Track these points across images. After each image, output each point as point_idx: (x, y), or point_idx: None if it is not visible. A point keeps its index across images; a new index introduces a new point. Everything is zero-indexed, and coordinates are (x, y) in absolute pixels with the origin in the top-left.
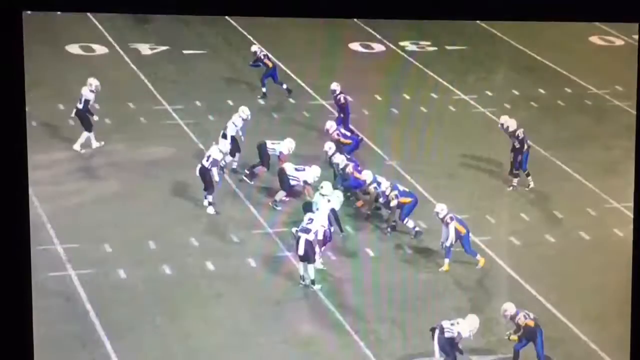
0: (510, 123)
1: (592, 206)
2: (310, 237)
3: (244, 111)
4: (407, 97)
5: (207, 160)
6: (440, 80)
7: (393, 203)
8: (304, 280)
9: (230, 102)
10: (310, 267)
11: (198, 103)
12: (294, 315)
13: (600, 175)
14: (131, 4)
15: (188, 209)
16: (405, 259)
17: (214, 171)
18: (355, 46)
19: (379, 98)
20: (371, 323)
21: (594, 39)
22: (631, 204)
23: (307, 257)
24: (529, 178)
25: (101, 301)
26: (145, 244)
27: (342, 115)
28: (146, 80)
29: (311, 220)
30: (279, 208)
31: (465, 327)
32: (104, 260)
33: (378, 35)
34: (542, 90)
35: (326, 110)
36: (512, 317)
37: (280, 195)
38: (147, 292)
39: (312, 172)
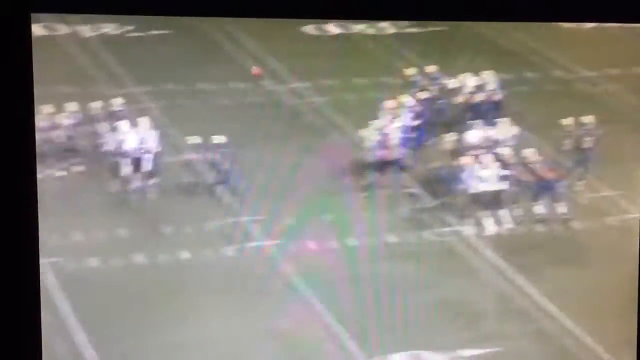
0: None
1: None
2: None
3: None
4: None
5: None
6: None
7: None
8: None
9: (205, 86)
10: None
11: (168, 86)
12: (276, 307)
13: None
14: (143, 5)
15: None
16: (389, 250)
17: None
18: (309, 29)
19: (332, 83)
20: (356, 314)
21: None
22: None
23: None
24: None
25: (73, 291)
26: (116, 232)
27: None
28: (111, 63)
29: None
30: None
31: None
32: (74, 248)
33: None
34: (530, 74)
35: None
36: None
37: None
38: (120, 283)
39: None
